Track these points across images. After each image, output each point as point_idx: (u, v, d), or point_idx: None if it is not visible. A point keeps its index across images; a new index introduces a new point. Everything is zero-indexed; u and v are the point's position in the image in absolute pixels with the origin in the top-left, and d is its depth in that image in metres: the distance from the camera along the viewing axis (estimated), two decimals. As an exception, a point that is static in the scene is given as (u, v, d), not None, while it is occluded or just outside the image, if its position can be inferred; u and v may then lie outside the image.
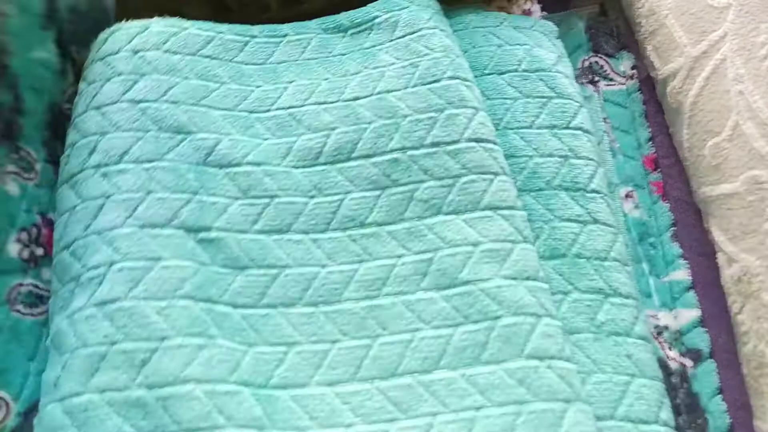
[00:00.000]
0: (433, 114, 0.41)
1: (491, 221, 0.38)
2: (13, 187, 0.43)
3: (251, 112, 0.43)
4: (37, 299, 0.42)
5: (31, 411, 0.40)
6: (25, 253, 0.43)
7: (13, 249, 0.42)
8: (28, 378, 0.40)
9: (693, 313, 0.41)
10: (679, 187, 0.45)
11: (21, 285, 0.42)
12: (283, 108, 0.43)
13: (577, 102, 0.43)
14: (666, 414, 0.36)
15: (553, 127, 0.42)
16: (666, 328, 0.41)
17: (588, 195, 0.40)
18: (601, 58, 0.50)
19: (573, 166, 0.41)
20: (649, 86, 0.48)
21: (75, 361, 0.35)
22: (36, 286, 0.42)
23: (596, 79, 0.49)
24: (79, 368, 0.35)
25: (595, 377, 0.36)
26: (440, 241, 0.38)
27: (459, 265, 0.38)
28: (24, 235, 0.43)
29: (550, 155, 0.41)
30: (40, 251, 0.43)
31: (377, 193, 0.40)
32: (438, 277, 0.38)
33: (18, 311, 0.41)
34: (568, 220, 0.40)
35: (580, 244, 0.39)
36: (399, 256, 0.39)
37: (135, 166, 0.39)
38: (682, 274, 0.42)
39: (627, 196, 0.45)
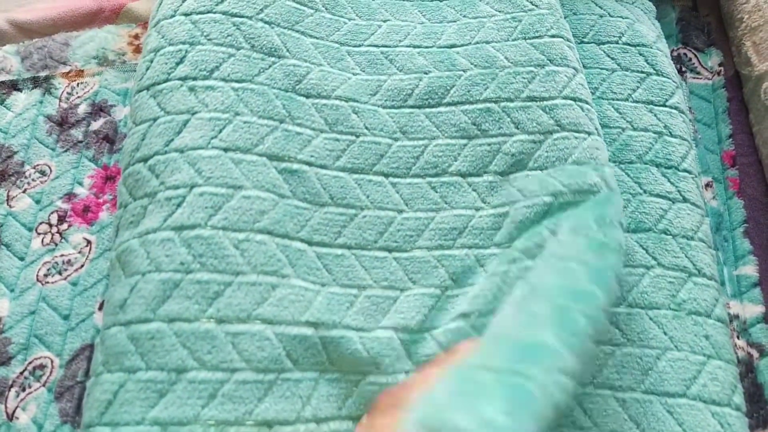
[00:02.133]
0: (532, 69, 0.40)
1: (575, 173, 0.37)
2: (23, 203, 0.45)
3: (342, 44, 0.42)
4: (66, 264, 0.42)
5: (72, 360, 0.40)
6: (47, 239, 0.43)
7: (35, 243, 0.43)
8: (66, 335, 0.40)
9: (757, 309, 0.41)
10: (755, 185, 0.45)
11: (47, 262, 0.43)
12: (375, 45, 0.42)
13: (674, 82, 0.42)
14: (739, 398, 0.35)
15: (650, 102, 0.41)
16: (736, 317, 0.40)
17: (680, 173, 0.40)
18: (689, 50, 0.49)
19: (667, 143, 0.40)
20: (735, 85, 0.48)
21: (146, 285, 0.33)
22: (62, 255, 0.43)
23: (683, 70, 0.48)
24: (150, 294, 0.33)
25: (670, 354, 0.36)
26: (519, 193, 0.38)
27: (536, 217, 0.37)
28: (43, 227, 0.44)
29: (645, 130, 0.41)
30: (64, 226, 0.44)
31: (464, 142, 0.39)
32: (512, 230, 0.37)
33: (49, 282, 0.42)
34: (658, 195, 0.39)
35: (667, 220, 0.39)
36: (477, 209, 0.38)
37: (224, 84, 0.38)
38: (750, 269, 0.42)
39: (707, 185, 0.44)
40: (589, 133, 0.38)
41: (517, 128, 0.39)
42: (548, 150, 0.38)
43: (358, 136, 0.39)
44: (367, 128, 0.39)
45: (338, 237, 0.37)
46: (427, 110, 0.40)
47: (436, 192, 0.38)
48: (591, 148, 0.38)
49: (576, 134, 0.38)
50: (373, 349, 0.34)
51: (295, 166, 0.37)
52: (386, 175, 0.39)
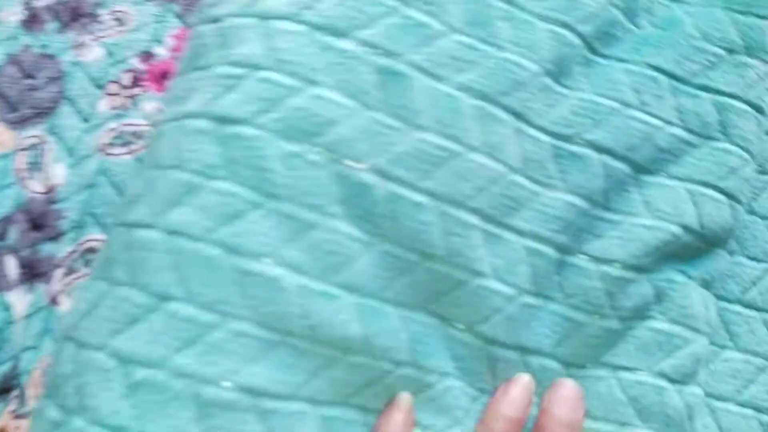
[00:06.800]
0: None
1: None
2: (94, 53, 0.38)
3: None
4: (133, 136, 0.36)
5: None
6: (116, 101, 0.37)
7: (103, 104, 0.37)
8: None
9: None
10: None
11: (113, 129, 0.36)
12: None
13: None
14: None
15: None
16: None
17: None
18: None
19: None
20: None
21: (163, 182, 0.27)
22: (130, 124, 0.36)
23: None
24: (163, 194, 0.26)
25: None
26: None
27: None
28: (113, 87, 0.37)
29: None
30: (136, 90, 0.37)
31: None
32: None
33: (111, 154, 0.36)
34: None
35: None
36: None
37: None
38: None
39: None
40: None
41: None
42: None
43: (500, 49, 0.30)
44: (513, 43, 0.30)
45: (425, 179, 0.28)
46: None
47: None
48: None
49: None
50: None
51: (401, 67, 0.28)
52: (516, 115, 0.30)
